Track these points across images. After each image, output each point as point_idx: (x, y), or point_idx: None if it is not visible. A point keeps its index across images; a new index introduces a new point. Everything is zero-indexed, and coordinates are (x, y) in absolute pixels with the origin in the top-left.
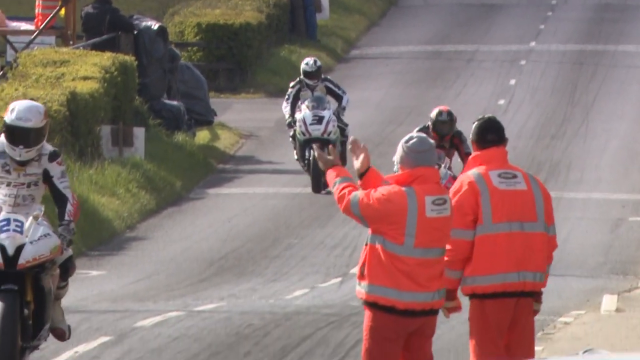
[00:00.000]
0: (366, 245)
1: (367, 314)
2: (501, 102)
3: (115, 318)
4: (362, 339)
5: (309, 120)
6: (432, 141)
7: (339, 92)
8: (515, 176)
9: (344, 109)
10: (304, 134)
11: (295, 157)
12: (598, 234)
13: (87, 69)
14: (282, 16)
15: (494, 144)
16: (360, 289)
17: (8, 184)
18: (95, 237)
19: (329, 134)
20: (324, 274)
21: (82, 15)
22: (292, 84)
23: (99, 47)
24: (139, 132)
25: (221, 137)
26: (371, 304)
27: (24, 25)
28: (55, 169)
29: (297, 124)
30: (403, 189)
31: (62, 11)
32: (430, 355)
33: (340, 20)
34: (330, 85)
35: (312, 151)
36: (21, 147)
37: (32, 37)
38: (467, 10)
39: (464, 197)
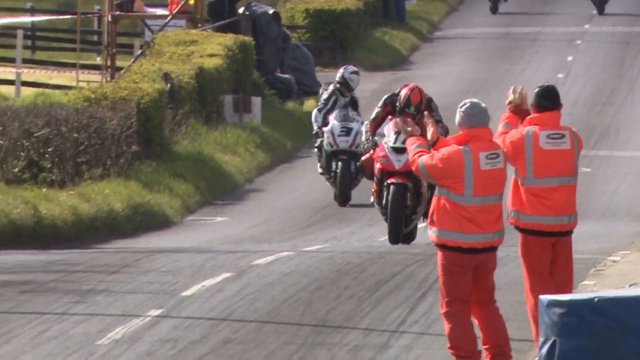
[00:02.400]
0: (435, 197)
1: (439, 254)
2: (560, 75)
3: (236, 257)
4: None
5: (337, 132)
6: (483, 105)
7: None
8: (563, 136)
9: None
10: (331, 145)
11: (320, 170)
12: None
13: (213, 47)
14: (377, 3)
15: (548, 109)
16: (432, 233)
17: None
18: (220, 189)
19: (356, 147)
20: None
21: (207, 3)
22: (326, 95)
23: (223, 29)
24: (256, 101)
25: None
26: (441, 245)
27: (160, 11)
28: None
29: (325, 134)
30: (460, 147)
31: (192, 0)
32: (493, 285)
33: (425, 6)
34: (357, 101)
35: (338, 163)
36: None
37: (167, 20)
38: None
39: (514, 145)
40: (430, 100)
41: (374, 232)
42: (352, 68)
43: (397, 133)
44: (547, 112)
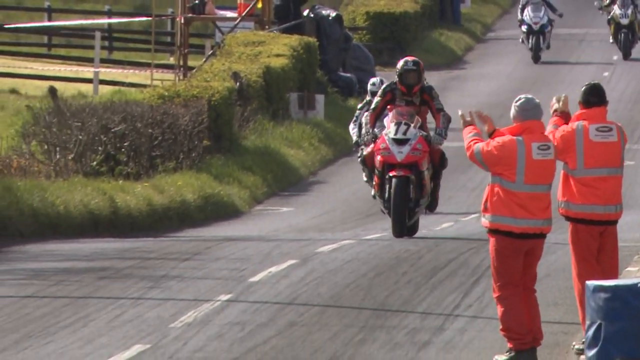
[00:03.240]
0: (488, 185)
1: (491, 240)
2: (605, 74)
3: (300, 245)
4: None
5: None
6: (537, 100)
7: None
8: (610, 129)
9: None
10: None
11: (365, 178)
12: None
13: (279, 48)
14: (434, 6)
15: (596, 105)
16: (485, 220)
17: None
18: (285, 181)
19: None
20: (465, 210)
21: (274, 6)
22: (359, 105)
23: (288, 31)
24: (320, 98)
25: None
26: (494, 231)
27: (229, 13)
28: None
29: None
30: (514, 137)
31: (259, 3)
32: (536, 274)
33: (479, 9)
34: None
35: None
36: None
37: (236, 23)
38: (577, 1)
39: (565, 138)
40: (430, 88)
41: (430, 221)
42: (374, 79)
43: (398, 124)
44: (594, 108)
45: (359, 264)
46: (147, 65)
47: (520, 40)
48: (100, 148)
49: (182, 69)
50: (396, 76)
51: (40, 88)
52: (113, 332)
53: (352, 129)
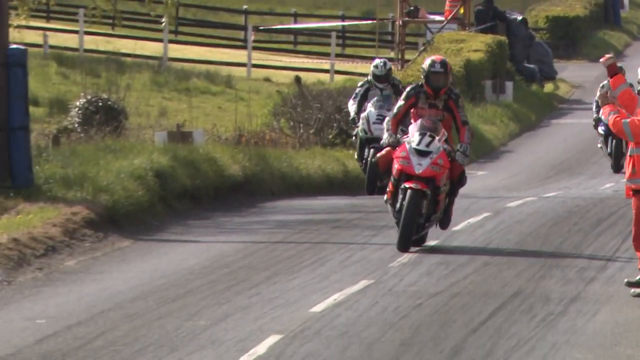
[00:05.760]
0: (630, 156)
1: (635, 200)
2: None
3: (493, 201)
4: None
5: (372, 119)
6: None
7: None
8: None
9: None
10: (365, 132)
11: (355, 156)
12: None
13: (477, 45)
14: (599, 11)
15: None
16: (630, 183)
17: None
18: (481, 150)
19: None
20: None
21: (475, 11)
22: (360, 83)
23: (484, 31)
24: (509, 84)
25: (560, 87)
26: None
27: (438, 17)
28: None
29: (361, 121)
30: None
31: (462, 9)
32: None
33: (635, 13)
34: (400, 86)
35: (371, 150)
36: None
37: (443, 24)
38: None
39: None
40: (457, 95)
41: (595, 182)
42: (377, 61)
43: (422, 134)
44: None
45: (540, 216)
46: (372, 58)
47: (598, 144)
48: (334, 124)
49: (400, 61)
50: (422, 77)
51: (287, 77)
52: (344, 270)
53: (351, 105)
